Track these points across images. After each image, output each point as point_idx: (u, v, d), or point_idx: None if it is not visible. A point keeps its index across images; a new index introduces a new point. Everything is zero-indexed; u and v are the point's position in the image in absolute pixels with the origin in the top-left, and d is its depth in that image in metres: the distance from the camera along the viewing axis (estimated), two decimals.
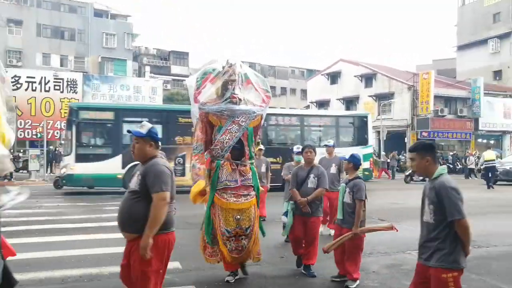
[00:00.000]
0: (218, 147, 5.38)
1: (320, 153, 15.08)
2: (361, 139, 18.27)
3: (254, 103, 5.60)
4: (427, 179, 3.55)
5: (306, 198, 5.76)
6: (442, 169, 3.45)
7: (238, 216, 5.24)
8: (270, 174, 10.32)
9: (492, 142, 34.98)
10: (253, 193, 5.44)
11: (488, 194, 17.32)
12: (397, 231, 5.35)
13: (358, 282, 5.34)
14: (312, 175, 5.94)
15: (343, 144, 17.76)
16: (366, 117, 19.47)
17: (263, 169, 9.82)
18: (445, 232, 3.25)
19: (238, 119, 5.39)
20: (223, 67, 5.59)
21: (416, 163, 3.48)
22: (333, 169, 8.38)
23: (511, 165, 22.05)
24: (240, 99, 5.47)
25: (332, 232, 8.05)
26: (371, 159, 19.68)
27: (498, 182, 21.38)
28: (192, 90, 5.60)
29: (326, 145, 8.89)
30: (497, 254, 6.71)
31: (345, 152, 7.15)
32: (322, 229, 8.08)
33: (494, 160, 20.56)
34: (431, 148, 3.54)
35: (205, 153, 5.58)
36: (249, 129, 5.47)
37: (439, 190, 3.26)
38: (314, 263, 5.86)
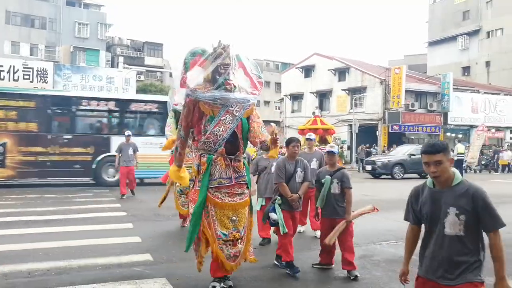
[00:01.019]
0: (210, 140, 4.71)
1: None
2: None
3: (247, 90, 4.94)
4: (432, 184, 2.93)
5: (298, 194, 5.62)
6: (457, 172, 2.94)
7: (234, 217, 4.73)
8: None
9: (460, 136, 35.85)
10: (247, 191, 4.91)
11: None
12: (378, 210, 5.66)
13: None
14: (299, 169, 5.75)
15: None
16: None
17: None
18: (477, 243, 2.84)
19: (232, 109, 4.74)
20: (215, 49, 4.83)
21: (445, 166, 2.83)
22: (314, 164, 7.46)
23: (390, 158, 22.85)
24: (234, 86, 4.81)
25: (301, 229, 8.03)
26: None
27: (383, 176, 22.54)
28: (178, 72, 4.99)
29: (308, 139, 8.15)
30: None
31: None
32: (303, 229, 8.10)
33: (463, 153, 21.32)
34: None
35: (190, 144, 5.13)
36: (243, 120, 4.85)
37: (478, 198, 2.77)
38: None
